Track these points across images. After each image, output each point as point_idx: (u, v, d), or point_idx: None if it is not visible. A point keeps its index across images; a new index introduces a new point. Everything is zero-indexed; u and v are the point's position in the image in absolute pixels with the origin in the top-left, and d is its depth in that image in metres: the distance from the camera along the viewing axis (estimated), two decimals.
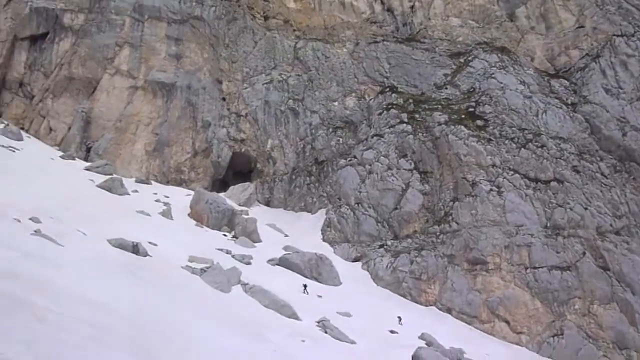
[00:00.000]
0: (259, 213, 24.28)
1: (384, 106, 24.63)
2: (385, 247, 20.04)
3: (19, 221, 10.02)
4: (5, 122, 23.58)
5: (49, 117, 24.59)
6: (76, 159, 23.72)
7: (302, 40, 26.77)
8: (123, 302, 6.28)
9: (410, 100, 24.82)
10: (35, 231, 9.67)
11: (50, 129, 24.46)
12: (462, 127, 21.41)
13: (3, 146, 20.45)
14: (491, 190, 19.23)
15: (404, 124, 23.58)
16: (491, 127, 21.52)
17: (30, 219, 10.81)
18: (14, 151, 20.74)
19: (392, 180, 21.71)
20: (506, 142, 20.87)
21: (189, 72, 25.51)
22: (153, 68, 25.25)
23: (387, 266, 18.98)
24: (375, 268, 19.14)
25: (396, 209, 20.96)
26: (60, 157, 23.17)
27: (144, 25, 25.71)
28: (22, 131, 23.61)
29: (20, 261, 6.05)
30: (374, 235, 20.62)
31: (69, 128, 24.35)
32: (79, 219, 13.05)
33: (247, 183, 25.06)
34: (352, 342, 10.85)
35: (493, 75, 23.73)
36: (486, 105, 22.58)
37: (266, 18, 27.15)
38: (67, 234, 10.37)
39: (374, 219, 21.11)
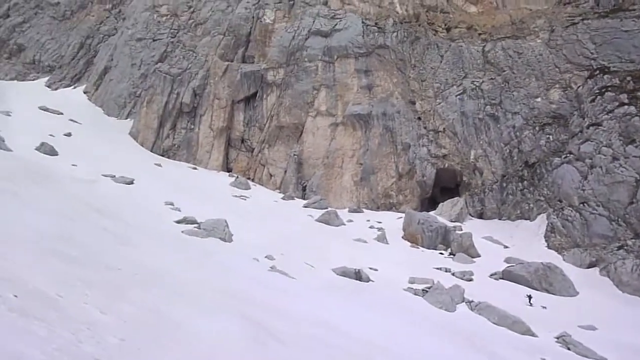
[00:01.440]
0: (473, 227, 43.12)
1: (597, 91, 40.96)
2: (625, 248, 29.03)
3: (257, 260, 21.30)
4: (235, 175, 50.24)
5: (268, 164, 50.62)
6: (295, 198, 48.11)
7: (490, 42, 46.55)
8: (353, 324, 12.25)
9: (629, 78, 40.39)
10: (271, 267, 20.01)
11: (270, 175, 50.28)
12: None
13: (236, 196, 46.09)
14: None
15: (625, 106, 38.63)
16: None
17: (265, 256, 22.49)
18: (245, 199, 46.15)
19: (621, 171, 32.48)
20: None
21: (381, 99, 48.16)
22: (349, 103, 48.92)
23: (632, 269, 27.07)
24: (617, 273, 27.41)
25: (632, 203, 30.76)
26: (281, 198, 47.97)
27: (334, 65, 50.24)
28: (248, 181, 49.85)
29: (260, 292, 14.12)
30: (609, 236, 30.57)
31: (285, 171, 49.58)
32: (306, 253, 25.62)
33: (456, 198, 44.78)
34: (603, 359, 15.80)
35: None
36: None
37: (448, 29, 48.28)
38: (297, 268, 21.13)
39: (606, 217, 31.58)
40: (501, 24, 46.65)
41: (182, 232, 28.39)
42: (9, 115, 50.97)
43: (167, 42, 63.55)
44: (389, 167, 46.51)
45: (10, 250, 13.21)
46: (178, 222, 30.81)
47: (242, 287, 17.76)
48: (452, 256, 32.22)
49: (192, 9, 65.91)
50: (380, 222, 41.74)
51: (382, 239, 36.44)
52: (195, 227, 29.95)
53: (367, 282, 24.39)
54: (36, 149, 41.49)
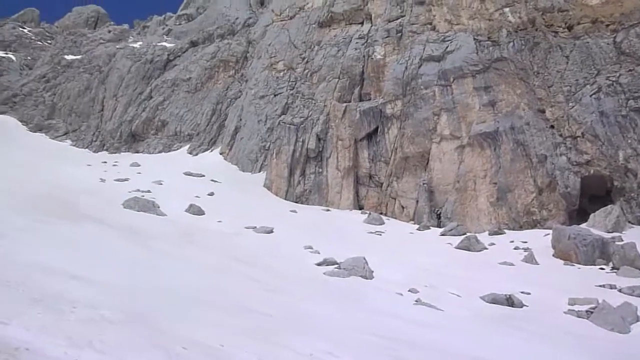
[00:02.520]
0: (635, 235, 38.89)
1: None
2: None
3: (401, 294, 24.85)
4: (368, 212, 50.72)
5: (399, 197, 50.50)
6: (430, 227, 47.14)
7: (621, 32, 42.73)
8: (511, 356, 12.11)
9: None
10: (416, 301, 19.56)
11: (403, 207, 50.02)
12: None
13: (371, 232, 46.07)
14: None
15: None
16: None
17: (409, 290, 21.40)
18: (380, 234, 45.97)
19: None
20: None
21: (507, 114, 46.11)
22: (472, 123, 47.50)
23: None
24: None
25: None
26: (417, 229, 47.26)
27: (451, 87, 49.41)
28: (381, 216, 50.01)
29: (406, 328, 14.05)
30: None
31: (417, 202, 49.00)
32: (450, 283, 27.49)
33: (610, 206, 40.68)
34: None
35: None
36: None
37: (570, 28, 45.32)
38: (442, 299, 20.52)
39: None
40: (631, 10, 42.71)
41: (324, 273, 29.25)
42: (161, 184, 57.03)
43: (287, 94, 67.43)
44: (526, 183, 43.92)
45: (169, 303, 14.69)
46: (319, 264, 31.85)
47: (391, 325, 17.75)
48: (615, 271, 30.00)
49: (305, 60, 69.55)
50: (525, 242, 39.42)
51: (530, 259, 34.17)
52: (335, 267, 30.71)
53: (521, 307, 22.99)
54: (186, 211, 45.78)
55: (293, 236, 39.24)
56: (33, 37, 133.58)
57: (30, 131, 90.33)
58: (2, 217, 29.48)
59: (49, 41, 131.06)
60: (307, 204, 54.63)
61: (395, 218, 50.00)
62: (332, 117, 57.35)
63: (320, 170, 56.18)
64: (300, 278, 26.75)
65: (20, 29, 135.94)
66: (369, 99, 57.45)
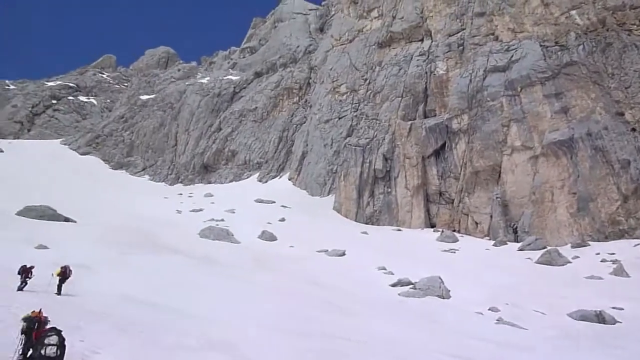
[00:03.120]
0: None
1: None
2: None
3: (481, 314, 23.85)
4: (440, 230, 49.67)
5: (471, 213, 49.15)
6: (507, 242, 45.42)
7: None
8: None
9: None
10: (497, 320, 20.43)
11: (476, 223, 48.59)
12: None
13: (445, 250, 44.81)
14: None
15: None
16: None
17: (489, 309, 23.25)
18: (454, 252, 44.63)
19: None
20: None
21: (582, 119, 44.01)
22: (544, 132, 45.69)
23: None
24: None
25: None
26: (493, 245, 45.61)
27: (519, 97, 47.92)
28: (454, 233, 48.77)
29: (490, 349, 14.76)
30: None
31: (491, 217, 47.45)
32: (532, 300, 26.53)
33: None
34: None
35: None
36: None
37: None
38: (526, 317, 20.93)
39: None
40: None
41: (399, 294, 28.94)
42: (234, 212, 58.71)
43: (351, 117, 67.92)
44: (609, 191, 41.48)
45: (247, 329, 15.04)
46: (393, 285, 31.54)
47: (473, 346, 17.21)
48: None
49: (367, 81, 69.93)
50: (613, 254, 37.27)
51: (620, 272, 32.31)
52: (410, 288, 30.29)
53: (614, 324, 21.74)
54: (258, 237, 46.89)
55: (365, 258, 39.13)
56: (111, 81, 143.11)
57: (112, 169, 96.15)
58: (89, 250, 31.44)
59: (125, 84, 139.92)
60: (378, 225, 54.28)
61: (469, 235, 48.63)
62: (397, 136, 57.06)
63: (389, 190, 55.81)
64: (375, 300, 26.60)
65: (100, 74, 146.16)
66: (434, 115, 56.76)
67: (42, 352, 6.32)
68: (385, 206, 55.21)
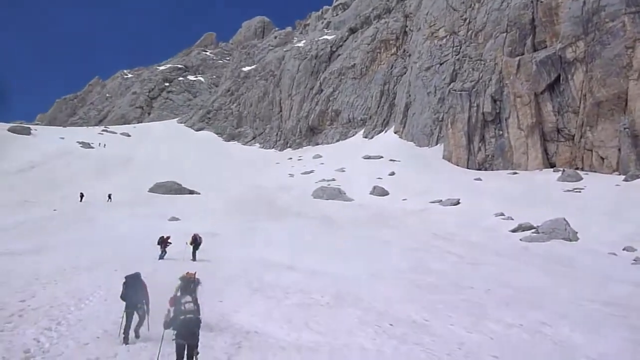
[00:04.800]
0: None
1: None
2: None
3: (615, 254, 21.98)
4: (561, 169, 46.44)
5: (595, 148, 45.30)
6: None
7: None
8: None
9: None
10: (635, 260, 20.67)
11: (602, 158, 44.75)
12: None
13: (568, 190, 41.59)
14: None
15: None
16: None
17: (624, 249, 22.70)
18: (579, 191, 41.32)
19: None
20: None
21: None
22: None
23: None
24: None
25: None
26: (623, 180, 41.81)
27: None
28: (577, 171, 45.35)
29: (631, 291, 15.03)
30: None
31: (619, 150, 43.41)
32: None
33: None
34: None
35: None
36: None
37: None
38: None
39: None
40: None
41: (521, 240, 27.83)
42: (344, 171, 59.53)
43: (453, 61, 64.85)
44: None
45: (375, 284, 15.33)
46: (513, 230, 30.35)
47: (611, 289, 16.17)
48: None
49: (467, 21, 66.02)
50: None
51: None
52: (532, 232, 28.96)
53: None
54: (370, 193, 47.23)
55: (481, 205, 37.95)
56: (214, 58, 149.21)
57: (225, 141, 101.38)
58: (215, 219, 33.65)
59: (227, 58, 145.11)
60: (492, 170, 52.14)
61: (595, 172, 45.00)
62: (505, 74, 53.60)
63: (501, 132, 53.03)
64: (496, 247, 25.84)
65: (203, 52, 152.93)
66: (545, 47, 52.27)
67: (183, 307, 7.20)
68: (498, 150, 52.69)
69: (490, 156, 53.40)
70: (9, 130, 77.35)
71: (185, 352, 7.08)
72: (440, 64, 66.89)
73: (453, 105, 57.58)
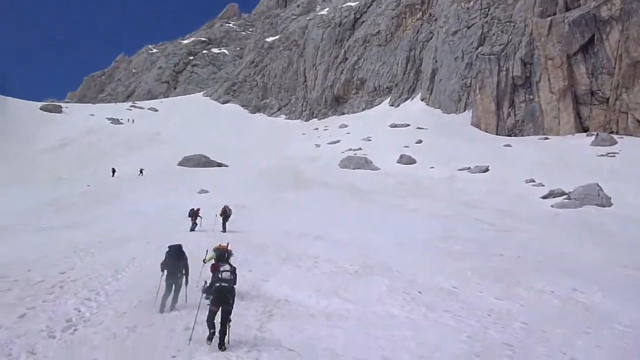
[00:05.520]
0: None
1: None
2: None
3: None
4: (594, 133, 45.14)
5: (631, 111, 43.81)
6: None
7: None
8: None
9: None
10: None
11: (638, 121, 43.34)
12: None
13: (602, 155, 40.37)
14: None
15: None
16: None
17: None
18: (613, 156, 40.06)
19: None
20: None
21: None
22: None
23: None
24: None
25: None
26: None
27: None
28: (612, 135, 44.02)
29: None
30: None
31: None
32: None
33: None
34: None
35: None
36: None
37: None
38: None
39: None
40: None
41: (552, 206, 27.35)
42: (370, 140, 59.15)
43: (481, 24, 62.95)
44: None
45: (401, 256, 15.33)
46: (544, 197, 29.84)
47: None
48: None
49: None
50: None
51: None
52: (564, 198, 28.41)
53: None
54: (397, 162, 46.90)
55: (511, 171, 37.32)
56: (237, 29, 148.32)
57: (250, 113, 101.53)
58: (243, 190, 33.96)
59: (250, 29, 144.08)
60: (522, 136, 51.06)
61: (631, 135, 43.67)
62: (536, 36, 51.86)
63: (531, 97, 51.66)
64: (528, 214, 25.45)
65: (226, 24, 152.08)
66: (578, 6, 50.21)
67: (220, 276, 7.57)
68: (529, 115, 51.43)
69: (520, 121, 52.23)
70: (40, 109, 79.27)
71: (220, 320, 7.33)
72: (468, 28, 65.06)
73: (481, 70, 56.20)
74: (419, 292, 11.14)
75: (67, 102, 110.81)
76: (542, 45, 50.72)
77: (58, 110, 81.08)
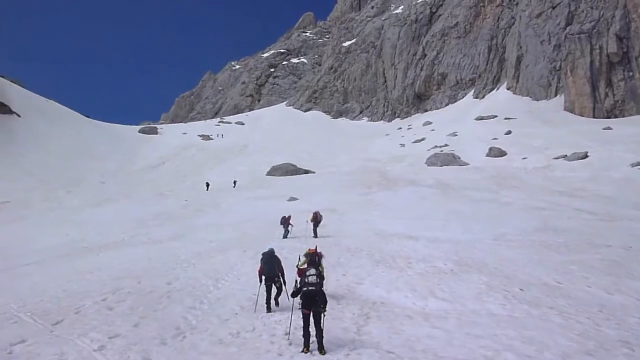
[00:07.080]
0: None
1: None
2: None
3: None
4: None
5: None
6: None
7: None
8: None
9: None
10: None
11: None
12: None
13: None
14: None
15: None
16: None
17: None
18: None
19: None
20: None
21: None
22: None
23: None
24: None
25: None
26: None
27: None
28: None
29: None
30: None
31: None
32: None
33: None
34: None
35: None
36: None
37: None
38: None
39: None
40: None
41: None
42: (456, 135, 57.55)
43: (568, 2, 59.23)
44: None
45: (506, 249, 14.67)
46: None
47: None
48: None
49: None
50: None
51: None
52: None
53: None
54: (486, 155, 45.19)
55: (613, 156, 34.69)
56: (314, 37, 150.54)
57: (333, 118, 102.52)
58: (332, 195, 34.19)
59: (327, 36, 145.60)
60: (623, 116, 47.34)
61: None
62: (631, 7, 47.91)
63: (631, 74, 47.74)
64: (635, 200, 23.56)
65: (303, 33, 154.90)
66: None
67: (306, 280, 7.86)
68: (629, 93, 47.57)
69: (619, 101, 48.44)
70: (139, 131, 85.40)
71: (314, 323, 7.54)
72: (553, 8, 61.42)
73: (571, 50, 52.80)
74: (520, 289, 10.63)
75: (162, 123, 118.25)
76: (639, 16, 46.76)
77: (154, 131, 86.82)
